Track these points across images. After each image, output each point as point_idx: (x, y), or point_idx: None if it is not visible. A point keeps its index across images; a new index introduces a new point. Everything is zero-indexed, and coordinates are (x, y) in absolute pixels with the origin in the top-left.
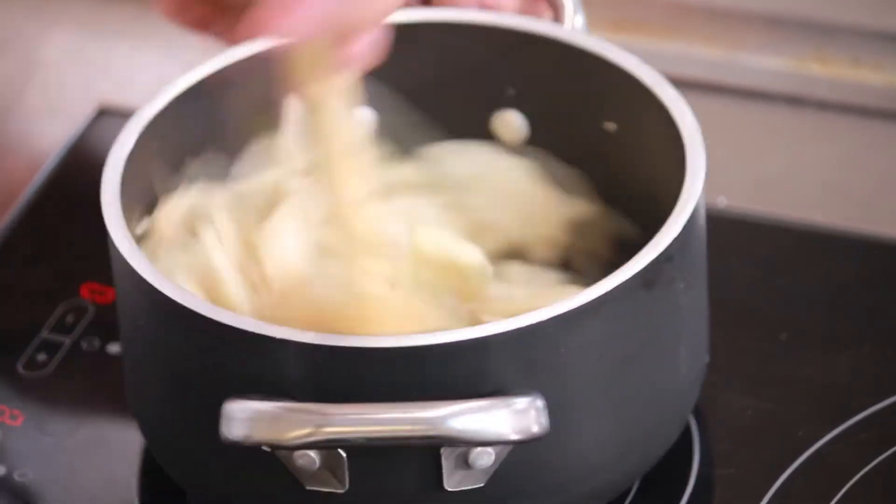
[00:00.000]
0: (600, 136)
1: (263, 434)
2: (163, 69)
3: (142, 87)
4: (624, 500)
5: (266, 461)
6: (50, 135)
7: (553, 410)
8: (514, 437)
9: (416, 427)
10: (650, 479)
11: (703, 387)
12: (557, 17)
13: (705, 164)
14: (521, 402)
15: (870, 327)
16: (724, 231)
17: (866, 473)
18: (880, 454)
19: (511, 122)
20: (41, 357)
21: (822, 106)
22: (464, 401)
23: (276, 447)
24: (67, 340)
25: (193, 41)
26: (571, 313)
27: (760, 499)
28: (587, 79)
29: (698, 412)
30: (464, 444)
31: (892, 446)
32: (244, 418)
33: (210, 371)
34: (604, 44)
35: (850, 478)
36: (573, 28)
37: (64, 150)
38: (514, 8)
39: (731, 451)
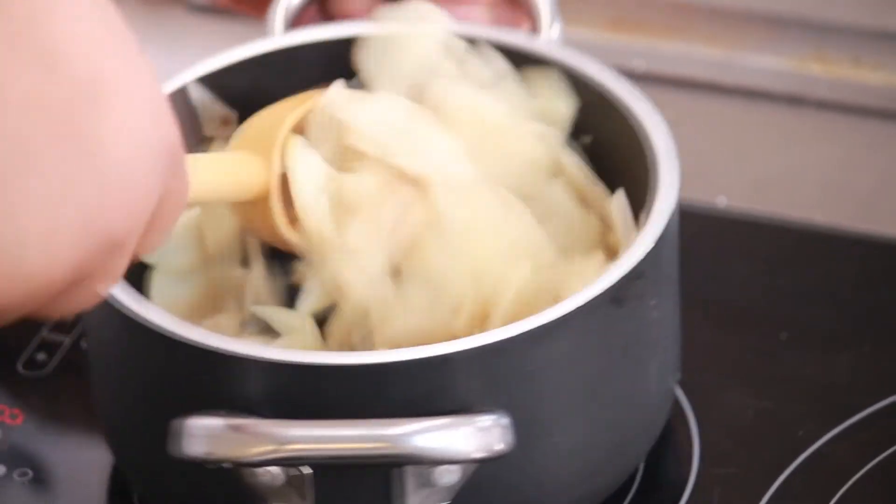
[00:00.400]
0: (576, 148)
1: (222, 452)
2: (162, 70)
3: None
4: (623, 499)
5: (229, 477)
6: None
7: (520, 427)
8: (478, 455)
9: (377, 445)
10: (650, 479)
11: (704, 386)
12: (534, 25)
13: (678, 178)
14: (485, 419)
15: (870, 327)
16: (723, 231)
17: (866, 473)
18: (880, 454)
19: None
20: (41, 356)
21: (822, 105)
22: (427, 418)
23: (235, 465)
24: (67, 340)
25: (193, 41)
26: (538, 330)
27: (760, 498)
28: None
29: (698, 411)
30: (426, 463)
31: (892, 446)
32: (202, 435)
33: (172, 386)
34: (577, 56)
35: (850, 477)
36: (550, 37)
37: None
38: (487, 20)
39: (731, 450)
